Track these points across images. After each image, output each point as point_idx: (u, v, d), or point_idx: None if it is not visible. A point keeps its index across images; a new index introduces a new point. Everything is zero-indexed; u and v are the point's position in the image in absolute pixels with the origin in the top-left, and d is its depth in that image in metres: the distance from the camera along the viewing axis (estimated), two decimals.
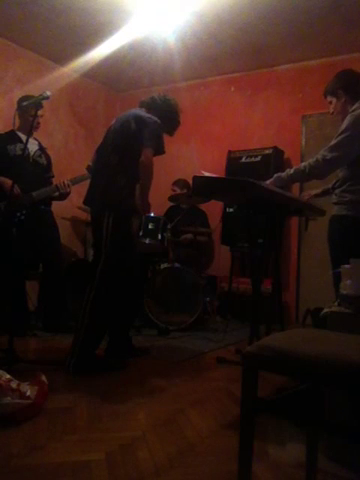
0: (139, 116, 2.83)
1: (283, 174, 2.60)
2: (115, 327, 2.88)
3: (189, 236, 4.58)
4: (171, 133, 3.08)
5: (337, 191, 2.55)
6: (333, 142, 2.42)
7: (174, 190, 4.75)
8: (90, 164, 3.15)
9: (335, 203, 2.55)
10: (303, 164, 2.55)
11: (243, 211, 3.08)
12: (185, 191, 4.68)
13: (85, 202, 2.95)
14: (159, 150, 2.81)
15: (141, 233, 3.90)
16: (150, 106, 2.97)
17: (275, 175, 2.63)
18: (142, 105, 3.01)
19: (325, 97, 2.68)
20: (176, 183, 4.82)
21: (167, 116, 2.96)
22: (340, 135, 2.40)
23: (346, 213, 2.44)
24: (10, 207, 3.27)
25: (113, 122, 2.97)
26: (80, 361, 2.64)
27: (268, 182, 2.59)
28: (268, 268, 4.03)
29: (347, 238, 2.43)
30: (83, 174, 3.57)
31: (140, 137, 2.73)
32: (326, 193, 2.92)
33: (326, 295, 2.49)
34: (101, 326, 2.78)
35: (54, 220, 3.84)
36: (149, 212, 3.07)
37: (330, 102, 2.64)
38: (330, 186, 2.82)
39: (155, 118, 2.82)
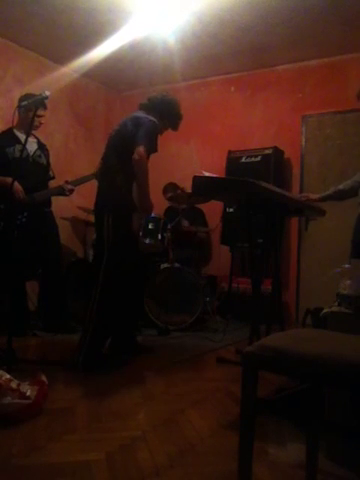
0: (136, 117, 2.90)
1: None
2: (117, 325, 2.91)
3: (186, 224, 4.56)
4: (175, 128, 3.14)
5: None
6: None
7: (169, 195, 4.75)
8: (96, 171, 3.21)
9: None
10: None
11: (243, 211, 3.09)
12: (179, 191, 4.70)
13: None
14: (152, 148, 2.83)
15: (141, 233, 3.89)
16: (148, 107, 3.04)
17: None
18: (141, 107, 3.06)
19: (358, 99, 2.69)
20: (167, 189, 4.81)
21: (167, 112, 3.05)
22: None
23: None
24: (11, 209, 3.28)
25: (113, 127, 3.03)
26: (89, 359, 2.69)
27: None
28: (268, 268, 4.04)
29: None
30: (84, 175, 3.57)
31: (135, 136, 2.76)
32: (326, 199, 2.94)
33: (326, 295, 2.49)
34: (108, 324, 2.83)
35: (54, 220, 3.84)
36: (151, 212, 3.06)
37: None
38: (331, 192, 2.84)
39: (152, 118, 2.86)
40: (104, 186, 2.92)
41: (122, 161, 2.81)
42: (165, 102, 3.05)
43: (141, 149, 2.71)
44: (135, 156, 2.71)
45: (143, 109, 3.04)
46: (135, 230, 2.92)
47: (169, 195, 4.72)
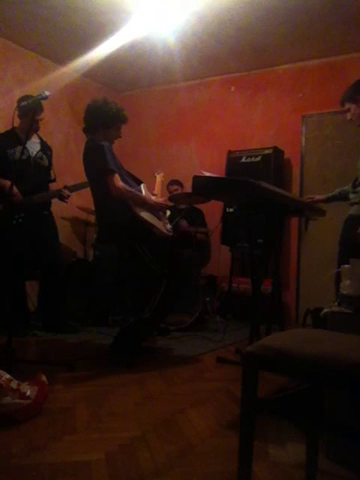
0: (85, 153, 3.00)
1: None
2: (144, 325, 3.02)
3: (185, 223, 4.58)
4: (124, 121, 3.13)
5: (358, 189, 2.57)
6: None
7: (175, 189, 4.78)
8: None
9: (355, 203, 2.57)
10: None
11: (243, 211, 3.09)
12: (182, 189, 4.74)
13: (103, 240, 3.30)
14: (116, 167, 2.90)
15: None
16: (89, 129, 3.05)
17: None
18: (85, 132, 3.09)
19: (342, 105, 2.74)
20: (174, 183, 4.85)
21: (105, 118, 3.02)
22: None
23: None
24: (8, 209, 3.27)
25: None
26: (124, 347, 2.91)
27: None
28: (268, 268, 4.04)
29: None
30: (83, 182, 3.58)
31: (100, 169, 2.88)
32: (331, 200, 2.93)
33: (326, 295, 2.49)
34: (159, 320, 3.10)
35: (53, 221, 3.82)
36: (164, 206, 3.16)
37: (348, 109, 2.70)
38: (336, 193, 2.84)
39: (100, 143, 2.91)
40: (108, 220, 3.01)
41: (107, 192, 2.86)
42: (93, 111, 3.02)
43: (112, 180, 2.81)
44: (112, 192, 2.82)
45: (87, 133, 3.07)
46: (162, 234, 2.98)
47: (175, 187, 4.79)
